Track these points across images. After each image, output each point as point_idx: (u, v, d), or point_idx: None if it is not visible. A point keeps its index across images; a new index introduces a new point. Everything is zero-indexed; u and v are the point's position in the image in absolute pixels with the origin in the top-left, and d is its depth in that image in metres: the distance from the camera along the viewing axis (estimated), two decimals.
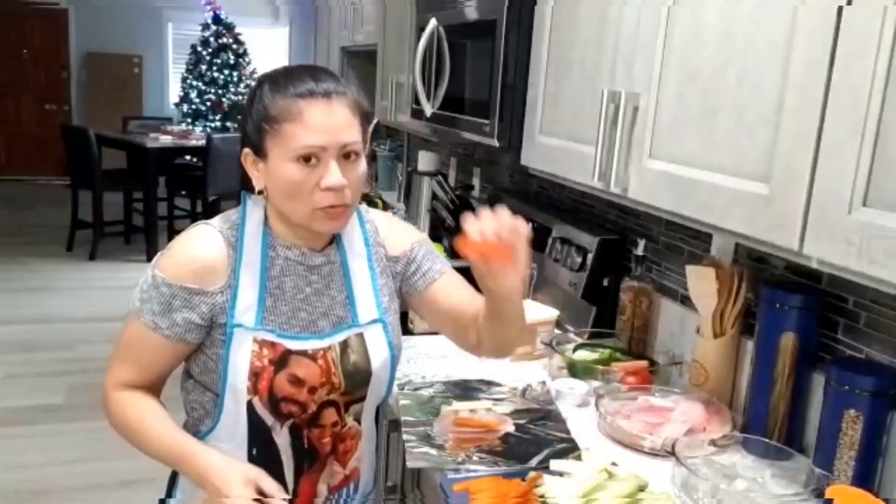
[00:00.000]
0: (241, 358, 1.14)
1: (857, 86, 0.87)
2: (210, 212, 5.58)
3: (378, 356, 1.24)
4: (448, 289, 1.30)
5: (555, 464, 1.29)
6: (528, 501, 1.17)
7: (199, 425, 1.22)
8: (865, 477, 1.18)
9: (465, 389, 1.59)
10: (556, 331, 1.86)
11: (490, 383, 1.63)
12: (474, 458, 1.31)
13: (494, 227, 1.03)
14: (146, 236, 5.95)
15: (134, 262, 5.78)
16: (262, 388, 1.15)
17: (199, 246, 1.16)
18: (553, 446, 1.37)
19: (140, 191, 6.08)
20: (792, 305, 1.32)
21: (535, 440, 1.39)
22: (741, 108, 1.07)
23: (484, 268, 1.08)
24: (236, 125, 7.75)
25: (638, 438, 1.38)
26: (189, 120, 7.91)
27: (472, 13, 1.97)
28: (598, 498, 1.17)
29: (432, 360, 1.76)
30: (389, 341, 1.25)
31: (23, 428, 3.31)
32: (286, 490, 1.18)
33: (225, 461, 1.12)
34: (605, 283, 1.90)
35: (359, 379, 1.22)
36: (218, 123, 7.88)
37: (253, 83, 1.20)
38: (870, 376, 1.16)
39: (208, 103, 7.93)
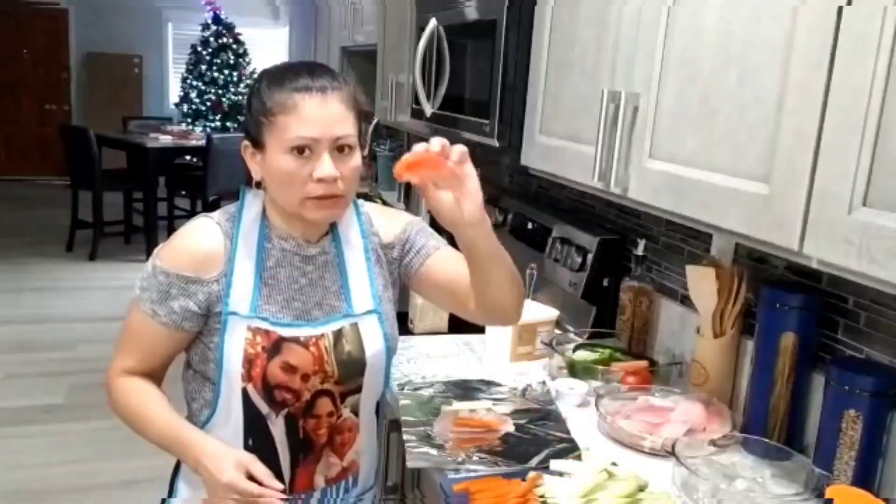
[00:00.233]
0: (235, 345, 1.18)
1: (857, 86, 0.87)
2: (210, 212, 5.54)
3: (372, 346, 1.26)
4: (444, 263, 1.31)
5: (555, 464, 1.29)
6: (528, 501, 1.17)
7: (198, 416, 1.25)
8: (865, 477, 1.17)
9: (465, 389, 1.59)
10: (556, 331, 1.86)
11: (490, 383, 1.63)
12: (474, 458, 1.31)
13: (423, 146, 1.06)
14: (146, 236, 5.94)
15: (134, 262, 5.77)
16: (256, 376, 1.18)
17: (196, 236, 1.21)
18: (553, 446, 1.37)
19: (140, 191, 6.08)
20: (792, 305, 1.32)
21: (535, 440, 1.39)
22: (741, 108, 1.07)
23: (426, 190, 1.08)
24: (236, 125, 7.76)
25: (638, 438, 1.38)
26: (189, 120, 7.90)
27: (472, 13, 1.97)
28: (598, 498, 1.17)
29: (432, 360, 1.76)
30: (384, 331, 1.27)
31: (23, 428, 3.31)
32: (282, 481, 1.20)
33: (219, 447, 1.17)
34: (605, 283, 1.90)
35: (353, 368, 1.24)
36: (218, 123, 7.88)
37: (253, 82, 1.23)
38: (870, 376, 1.16)
39: (208, 103, 7.92)
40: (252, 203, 1.25)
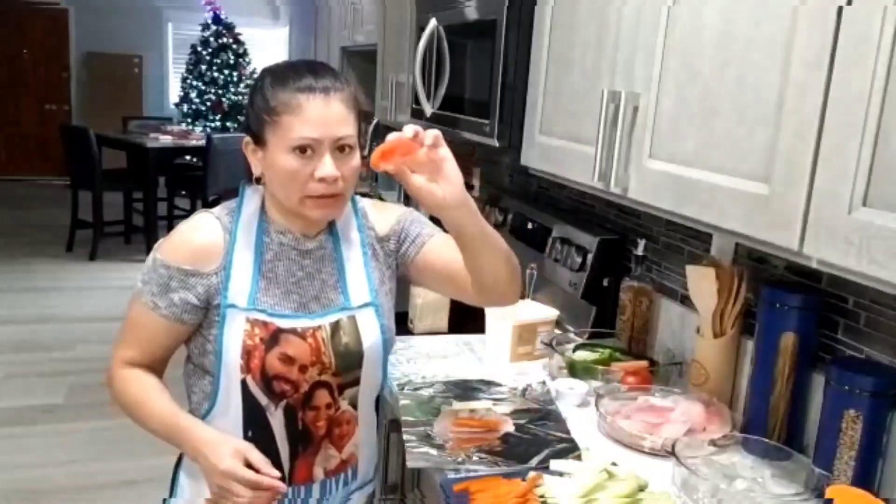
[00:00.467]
0: (234, 337, 1.19)
1: (857, 86, 0.87)
2: None
3: (369, 338, 1.27)
4: (440, 249, 1.32)
5: (555, 464, 1.30)
6: (528, 501, 1.17)
7: (198, 408, 1.27)
8: (865, 477, 1.17)
9: (465, 389, 1.59)
10: (556, 331, 1.86)
11: (490, 383, 1.63)
12: (474, 458, 1.31)
13: (396, 135, 1.07)
14: (146, 236, 5.94)
15: (134, 262, 5.76)
16: (255, 367, 1.19)
17: (196, 231, 1.23)
18: (553, 446, 1.37)
19: (140, 191, 6.08)
20: (792, 305, 1.32)
21: (535, 440, 1.39)
22: (741, 107, 1.07)
23: (404, 177, 1.09)
24: (236, 125, 7.76)
25: (638, 438, 1.38)
26: (189, 120, 7.91)
27: (472, 13, 1.97)
28: (598, 498, 1.17)
29: (432, 360, 1.76)
30: (381, 324, 1.29)
31: (23, 428, 3.30)
32: (282, 472, 1.22)
33: (217, 435, 1.19)
34: (605, 283, 1.90)
35: (350, 360, 1.26)
36: (218, 123, 7.89)
37: (256, 80, 1.24)
38: (870, 376, 1.16)
39: (208, 103, 7.93)
40: (251, 198, 1.26)
